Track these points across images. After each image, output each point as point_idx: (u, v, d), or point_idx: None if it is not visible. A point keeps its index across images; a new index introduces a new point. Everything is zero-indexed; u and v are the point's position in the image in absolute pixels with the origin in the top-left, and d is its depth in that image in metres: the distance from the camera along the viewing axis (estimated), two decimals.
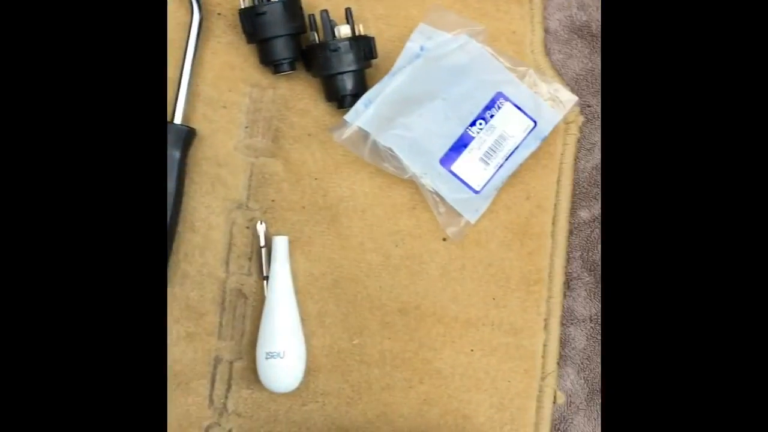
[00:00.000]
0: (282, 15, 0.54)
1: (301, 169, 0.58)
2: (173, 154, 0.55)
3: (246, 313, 0.57)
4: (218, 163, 0.57)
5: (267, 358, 0.53)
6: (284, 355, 0.53)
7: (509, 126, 0.56)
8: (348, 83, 0.55)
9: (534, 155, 0.57)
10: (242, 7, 0.55)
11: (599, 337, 0.58)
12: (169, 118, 0.56)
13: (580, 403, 0.57)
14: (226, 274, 0.57)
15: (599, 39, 0.61)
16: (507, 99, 0.56)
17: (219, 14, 0.58)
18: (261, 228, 0.56)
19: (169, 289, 0.56)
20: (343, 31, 0.55)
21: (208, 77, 0.58)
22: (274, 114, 0.58)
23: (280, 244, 0.56)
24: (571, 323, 0.58)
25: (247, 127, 0.58)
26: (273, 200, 0.57)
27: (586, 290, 0.58)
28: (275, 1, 0.54)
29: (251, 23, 0.54)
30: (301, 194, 0.57)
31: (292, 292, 0.55)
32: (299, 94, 0.58)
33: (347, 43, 0.54)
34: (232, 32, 0.58)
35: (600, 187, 0.59)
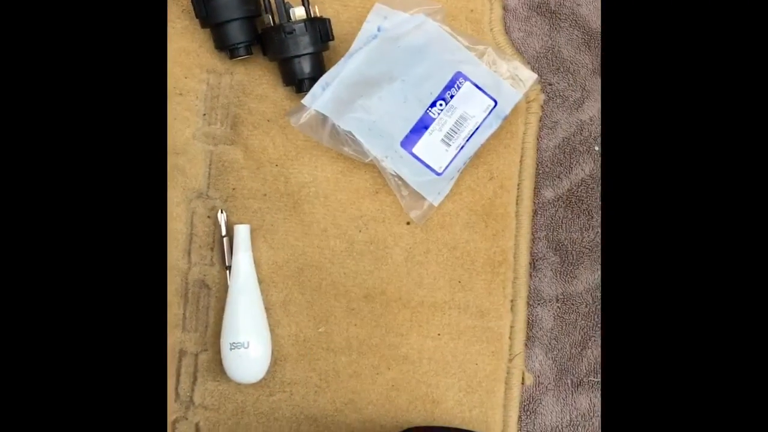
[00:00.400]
0: None
1: (261, 156, 0.57)
2: None
3: (210, 304, 0.56)
4: (176, 151, 0.56)
5: (231, 349, 0.52)
6: (249, 345, 0.52)
7: (469, 106, 0.55)
8: (305, 66, 0.54)
9: (496, 135, 0.57)
10: None
11: (566, 317, 0.58)
12: None
13: (549, 383, 0.57)
14: (188, 265, 0.56)
15: (559, 16, 0.60)
16: (466, 78, 0.55)
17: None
18: (222, 217, 0.55)
19: None
20: (298, 13, 0.54)
21: None
22: (232, 100, 0.57)
23: (242, 232, 0.55)
24: (538, 304, 0.58)
25: (204, 115, 0.57)
26: (233, 188, 0.56)
27: (552, 270, 0.58)
28: None
29: (204, 7, 0.53)
30: (262, 181, 0.56)
31: (256, 282, 0.55)
32: (257, 79, 0.57)
33: (302, 25, 0.53)
34: (187, 17, 0.57)
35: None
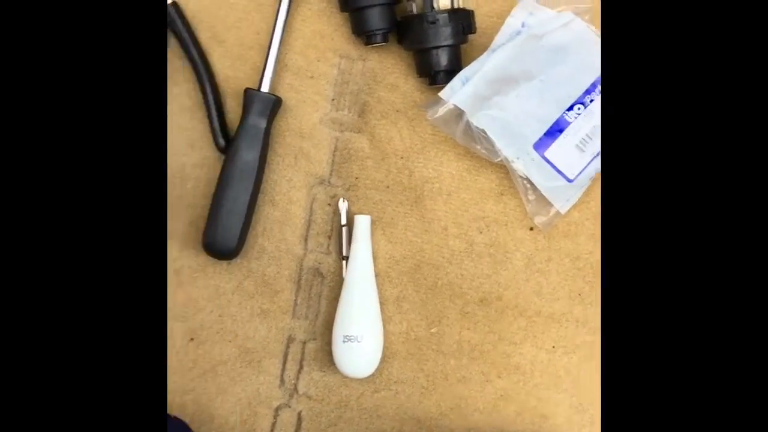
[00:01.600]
0: None
1: (386, 147, 0.55)
2: (259, 123, 0.53)
3: (322, 292, 0.55)
4: (302, 135, 0.55)
5: (344, 342, 0.51)
6: (362, 339, 0.51)
7: None
8: (443, 58, 0.53)
9: None
10: None
11: None
12: (256, 86, 0.54)
13: None
14: (304, 252, 0.55)
15: None
16: None
17: None
18: (343, 206, 0.54)
19: (245, 264, 0.55)
20: (442, 2, 0.52)
21: (297, 45, 0.55)
22: (362, 87, 0.56)
23: (363, 223, 0.54)
24: None
25: (333, 100, 0.56)
26: (356, 177, 0.55)
27: None
28: None
29: None
30: (385, 173, 0.55)
31: (373, 275, 0.53)
32: (389, 67, 0.56)
33: (446, 15, 0.52)
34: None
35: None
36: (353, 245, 0.53)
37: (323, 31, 0.56)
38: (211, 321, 0.55)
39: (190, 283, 0.55)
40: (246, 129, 0.53)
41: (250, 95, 0.53)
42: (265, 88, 0.53)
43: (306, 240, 0.55)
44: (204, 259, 0.55)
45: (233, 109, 0.55)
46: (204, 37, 0.55)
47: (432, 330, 0.54)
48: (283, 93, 0.55)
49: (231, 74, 0.55)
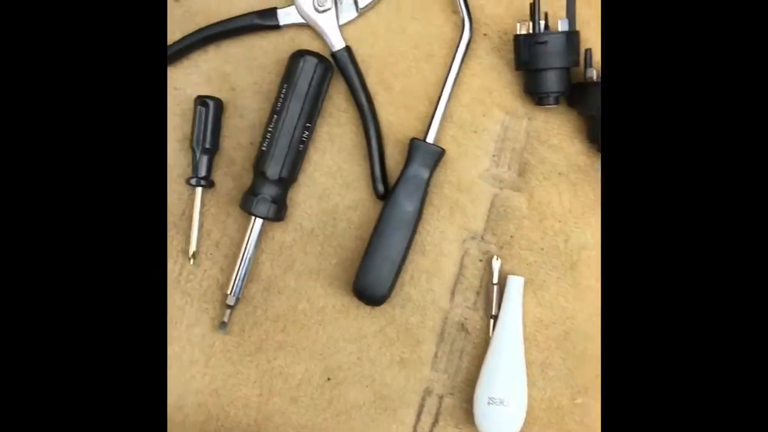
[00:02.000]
0: (562, 47, 0.51)
1: (545, 209, 0.55)
2: (421, 173, 0.53)
3: (465, 348, 0.54)
4: (460, 188, 0.55)
5: (489, 403, 0.50)
6: (507, 403, 0.50)
7: None
8: None
9: None
10: (520, 33, 0.52)
11: None
12: (420, 136, 0.54)
13: None
14: (450, 305, 0.55)
15: None
16: None
17: (485, 35, 0.56)
18: (496, 264, 0.53)
19: (389, 310, 0.55)
20: None
21: (464, 99, 0.55)
22: (525, 146, 0.55)
23: (516, 284, 0.53)
24: None
25: (494, 156, 0.55)
26: (511, 236, 0.54)
27: None
28: (558, 32, 0.51)
29: (527, 51, 0.51)
30: (541, 234, 0.54)
31: (522, 338, 0.52)
32: (555, 128, 0.55)
33: None
34: (495, 55, 0.56)
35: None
36: (504, 305, 0.53)
37: (491, 87, 0.55)
38: (349, 363, 0.55)
39: (333, 323, 0.55)
40: (408, 178, 0.53)
41: (415, 145, 0.53)
42: (430, 138, 0.53)
43: (453, 293, 0.55)
44: (348, 300, 0.55)
45: (392, 156, 0.56)
46: (372, 82, 0.56)
47: (577, 401, 0.53)
48: (445, 144, 0.55)
49: (394, 121, 0.56)
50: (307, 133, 0.54)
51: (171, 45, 0.56)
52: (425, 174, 0.53)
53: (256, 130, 0.56)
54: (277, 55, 0.57)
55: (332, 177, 0.56)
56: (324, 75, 0.53)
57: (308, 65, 0.53)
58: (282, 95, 0.53)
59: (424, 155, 0.53)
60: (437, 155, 0.53)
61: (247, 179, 0.56)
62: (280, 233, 0.56)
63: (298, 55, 0.53)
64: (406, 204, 0.52)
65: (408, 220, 0.52)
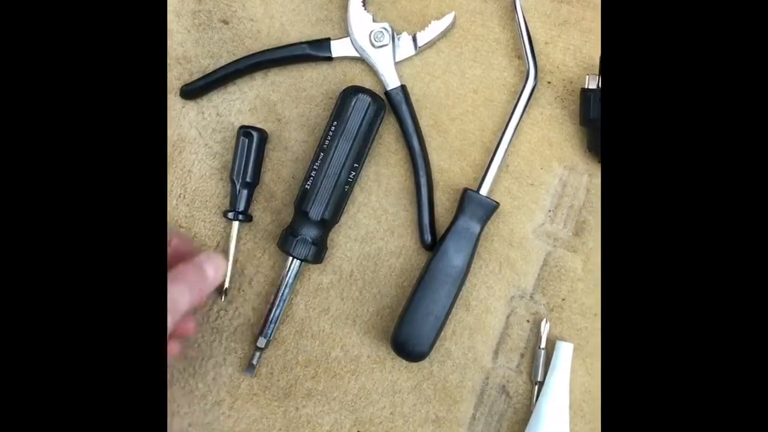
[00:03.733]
0: None
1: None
2: (472, 227, 0.50)
3: (505, 413, 0.51)
4: (511, 243, 0.52)
5: None
6: None
7: None
8: None
9: None
10: (588, 87, 0.49)
11: None
12: (473, 185, 0.51)
13: None
14: (492, 365, 0.52)
15: None
16: None
17: (549, 83, 0.53)
18: (545, 327, 0.51)
19: (427, 365, 0.52)
20: None
21: (522, 149, 0.53)
22: (584, 204, 0.52)
23: (565, 351, 0.50)
24: None
25: (550, 212, 0.52)
26: (563, 299, 0.52)
27: None
28: None
29: (595, 108, 0.48)
30: (595, 300, 0.51)
31: (567, 408, 0.50)
32: None
33: None
34: (559, 105, 0.53)
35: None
36: (551, 372, 0.50)
37: (552, 139, 0.53)
38: (381, 417, 0.52)
39: (367, 374, 0.52)
40: (458, 231, 0.50)
41: (469, 197, 0.50)
42: (484, 190, 0.51)
43: (497, 353, 0.52)
44: (385, 351, 0.52)
45: (441, 202, 0.53)
46: (425, 124, 0.53)
47: None
48: (499, 196, 0.52)
49: (446, 167, 0.53)
50: (353, 173, 0.51)
51: (217, 70, 0.53)
52: (477, 228, 0.50)
53: (300, 164, 0.54)
54: (327, 87, 0.54)
55: (377, 220, 0.53)
56: (376, 115, 0.51)
57: (361, 103, 0.50)
58: (330, 132, 0.50)
59: (477, 208, 0.50)
60: (491, 209, 0.50)
61: (287, 215, 0.53)
62: (318, 274, 0.53)
63: (351, 92, 0.50)
64: (454, 258, 0.50)
65: (455, 275, 0.49)
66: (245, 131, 0.52)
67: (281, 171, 0.54)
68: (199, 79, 0.54)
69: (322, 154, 0.50)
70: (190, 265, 0.43)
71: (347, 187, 0.51)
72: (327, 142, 0.50)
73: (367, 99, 0.50)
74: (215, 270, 0.45)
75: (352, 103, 0.50)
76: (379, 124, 0.52)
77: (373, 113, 0.50)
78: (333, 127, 0.50)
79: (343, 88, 0.51)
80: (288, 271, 0.51)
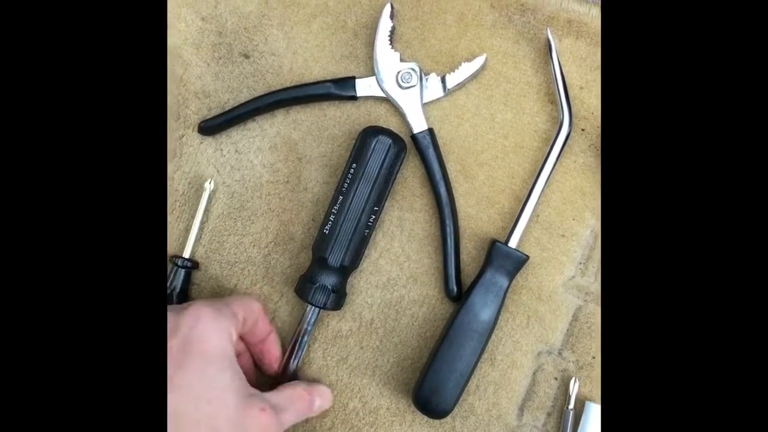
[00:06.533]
0: None
1: None
2: (501, 281, 0.48)
3: None
4: (540, 297, 0.50)
5: None
6: None
7: None
8: None
9: None
10: None
11: None
12: (501, 237, 0.49)
13: None
14: (517, 423, 0.50)
15: None
16: None
17: (582, 130, 0.51)
18: (574, 386, 0.48)
19: (449, 421, 0.50)
20: None
21: (553, 199, 0.50)
22: None
23: (594, 413, 0.48)
24: None
25: (581, 264, 0.50)
26: (593, 357, 0.49)
27: None
28: None
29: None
30: None
31: None
32: None
33: None
34: (593, 153, 0.50)
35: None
36: None
37: (584, 188, 0.50)
38: None
39: (386, 427, 0.50)
40: (485, 284, 0.48)
41: (498, 249, 0.48)
42: (513, 243, 0.48)
43: (522, 411, 0.50)
44: (405, 404, 0.50)
45: (467, 250, 0.51)
46: (452, 169, 0.51)
47: None
48: (528, 246, 0.50)
49: (473, 214, 0.51)
50: (374, 217, 0.49)
51: (238, 106, 0.51)
52: (505, 282, 0.48)
53: (320, 206, 0.52)
54: (350, 126, 0.52)
55: (399, 266, 0.51)
56: (397, 156, 0.49)
57: (381, 145, 0.48)
58: (350, 175, 0.48)
59: (506, 261, 0.48)
60: (521, 262, 0.48)
61: (305, 259, 0.51)
62: (336, 321, 0.51)
63: (371, 133, 0.48)
64: (481, 313, 0.47)
65: (482, 330, 0.47)
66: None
67: (301, 213, 0.52)
68: (218, 116, 0.52)
69: (341, 197, 0.48)
70: (305, 395, 0.47)
71: (367, 231, 0.49)
72: (346, 184, 0.48)
73: (388, 140, 0.48)
74: (322, 402, 0.49)
75: (372, 144, 0.48)
76: (400, 166, 0.50)
77: (394, 155, 0.48)
78: (352, 170, 0.48)
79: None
80: (306, 319, 0.49)
